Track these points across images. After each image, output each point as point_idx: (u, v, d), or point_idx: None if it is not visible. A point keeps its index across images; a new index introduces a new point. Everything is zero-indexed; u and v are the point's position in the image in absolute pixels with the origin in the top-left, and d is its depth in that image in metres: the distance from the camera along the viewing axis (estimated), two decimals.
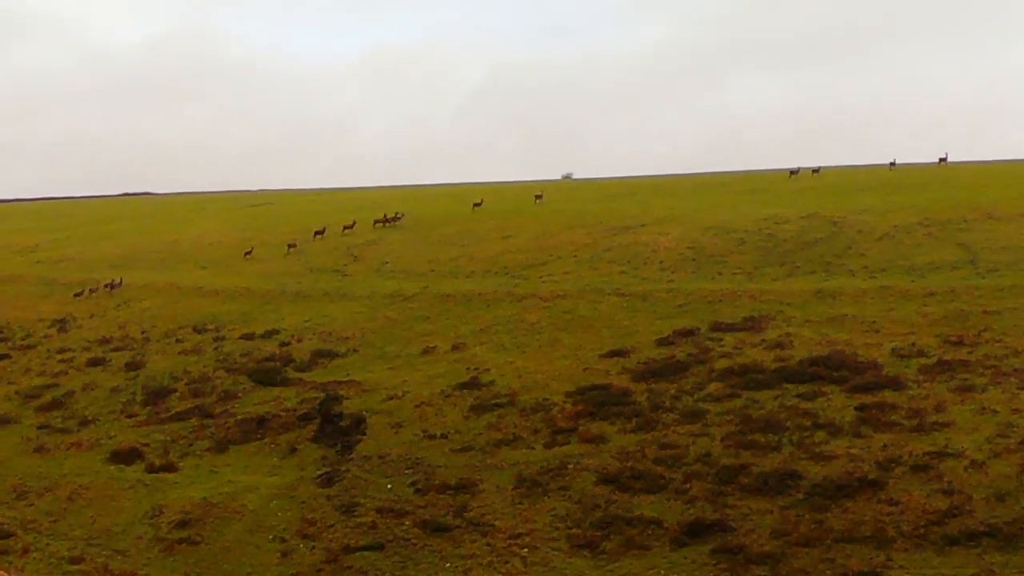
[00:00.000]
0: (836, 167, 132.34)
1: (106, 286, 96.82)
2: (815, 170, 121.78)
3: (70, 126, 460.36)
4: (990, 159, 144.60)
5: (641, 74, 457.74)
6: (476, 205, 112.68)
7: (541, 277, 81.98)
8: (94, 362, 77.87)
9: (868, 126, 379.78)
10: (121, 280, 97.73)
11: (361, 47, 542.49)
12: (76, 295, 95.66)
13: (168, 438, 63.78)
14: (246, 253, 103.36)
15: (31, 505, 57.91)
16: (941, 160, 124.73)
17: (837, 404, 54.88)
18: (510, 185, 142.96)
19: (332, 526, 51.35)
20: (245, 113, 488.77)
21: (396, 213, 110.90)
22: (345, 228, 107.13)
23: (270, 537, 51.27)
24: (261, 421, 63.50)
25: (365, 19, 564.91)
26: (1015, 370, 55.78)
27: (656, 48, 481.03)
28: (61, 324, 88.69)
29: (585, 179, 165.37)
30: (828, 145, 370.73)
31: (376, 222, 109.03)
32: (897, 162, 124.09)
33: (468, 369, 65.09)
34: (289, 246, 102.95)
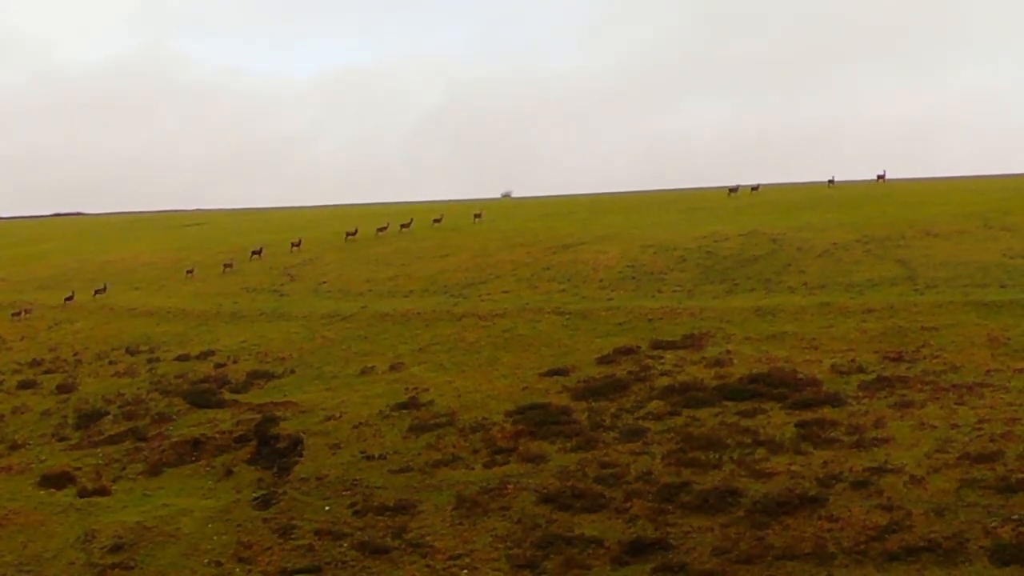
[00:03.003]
0: (775, 185, 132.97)
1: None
2: (754, 188, 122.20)
3: (9, 145, 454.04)
4: (927, 176, 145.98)
5: (595, 97, 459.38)
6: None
7: (480, 296, 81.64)
8: (24, 385, 76.46)
9: (807, 145, 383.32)
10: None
11: (316, 68, 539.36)
12: (14, 315, 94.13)
13: (101, 462, 62.74)
14: (188, 271, 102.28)
15: None
16: (879, 177, 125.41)
17: (777, 421, 54.96)
18: (449, 204, 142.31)
19: (269, 549, 50.67)
20: (197, 133, 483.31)
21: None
22: (293, 245, 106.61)
23: (206, 561, 50.52)
24: (196, 443, 62.63)
25: (320, 40, 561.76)
26: (953, 386, 56.20)
27: (609, 72, 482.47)
28: None
29: (524, 198, 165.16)
30: (768, 164, 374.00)
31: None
32: (835, 179, 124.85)
33: (407, 389, 64.54)
34: (225, 266, 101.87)
